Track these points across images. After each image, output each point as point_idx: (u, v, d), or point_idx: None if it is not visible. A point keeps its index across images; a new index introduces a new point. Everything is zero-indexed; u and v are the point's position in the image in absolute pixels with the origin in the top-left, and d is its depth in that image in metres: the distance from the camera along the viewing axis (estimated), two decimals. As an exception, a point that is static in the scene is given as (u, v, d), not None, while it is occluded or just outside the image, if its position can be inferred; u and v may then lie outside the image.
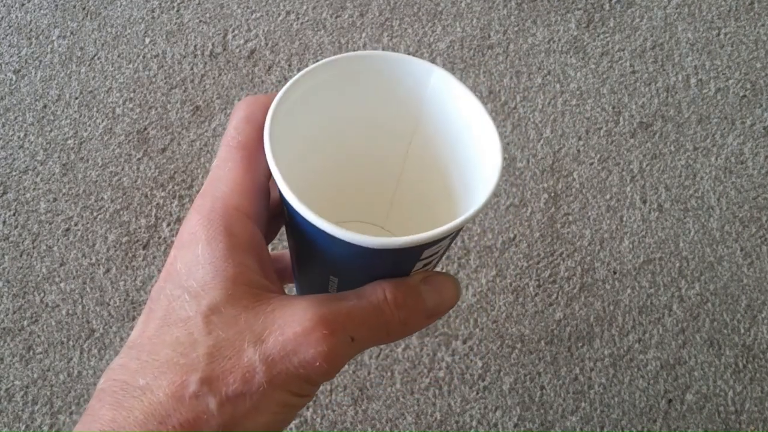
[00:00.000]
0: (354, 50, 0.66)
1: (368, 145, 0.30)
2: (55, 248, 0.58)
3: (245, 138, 0.25)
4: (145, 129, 0.63)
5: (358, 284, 0.24)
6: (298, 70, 0.65)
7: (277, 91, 0.25)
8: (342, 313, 0.23)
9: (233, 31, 0.67)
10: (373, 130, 0.30)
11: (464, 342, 0.54)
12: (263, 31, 0.67)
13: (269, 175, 0.25)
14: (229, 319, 0.22)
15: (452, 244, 0.26)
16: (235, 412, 0.21)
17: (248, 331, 0.22)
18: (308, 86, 0.26)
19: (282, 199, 0.24)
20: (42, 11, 0.69)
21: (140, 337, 0.23)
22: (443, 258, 0.27)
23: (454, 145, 0.28)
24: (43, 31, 0.68)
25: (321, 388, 0.52)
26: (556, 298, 0.56)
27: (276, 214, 0.29)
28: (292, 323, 0.22)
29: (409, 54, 0.66)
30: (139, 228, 0.58)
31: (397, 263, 0.24)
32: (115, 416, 0.21)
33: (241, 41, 0.67)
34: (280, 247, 0.55)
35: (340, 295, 0.24)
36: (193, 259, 0.23)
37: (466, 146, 0.27)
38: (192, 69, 0.65)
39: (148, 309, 0.23)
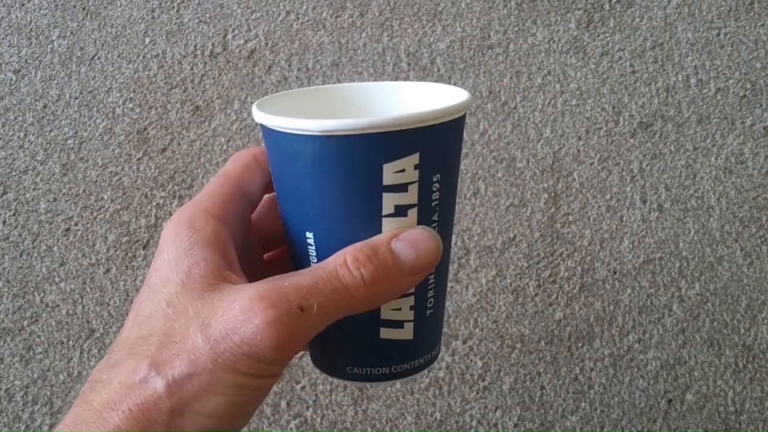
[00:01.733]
0: (354, 50, 0.66)
1: None
2: (55, 248, 0.58)
3: (227, 169, 0.27)
4: (145, 129, 0.63)
5: (331, 240, 0.24)
6: (299, 70, 0.65)
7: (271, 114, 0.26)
8: (286, 284, 0.23)
9: (233, 31, 0.67)
10: None
11: (464, 342, 0.54)
12: (263, 31, 0.67)
13: (251, 197, 0.27)
14: (181, 310, 0.23)
15: (436, 202, 0.25)
16: (183, 394, 0.21)
17: (195, 318, 0.22)
18: (287, 105, 0.28)
19: (265, 142, 0.25)
20: (42, 11, 0.69)
21: (115, 341, 0.24)
22: (436, 222, 0.26)
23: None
24: (43, 31, 0.68)
25: (320, 387, 0.52)
26: (556, 298, 0.56)
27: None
28: (234, 304, 0.22)
29: (409, 54, 0.66)
30: (139, 228, 0.58)
31: (357, 179, 0.23)
32: (78, 412, 0.22)
33: (241, 41, 0.67)
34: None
35: (295, 273, 0.24)
36: (162, 259, 0.24)
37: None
38: (192, 69, 0.65)
39: (127, 316, 0.25)
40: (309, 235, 0.25)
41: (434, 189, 0.25)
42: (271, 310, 0.22)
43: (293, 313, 0.22)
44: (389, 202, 0.24)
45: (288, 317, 0.22)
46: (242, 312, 0.22)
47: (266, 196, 0.30)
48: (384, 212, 0.24)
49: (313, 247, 0.25)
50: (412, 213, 0.24)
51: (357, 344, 0.27)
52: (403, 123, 0.22)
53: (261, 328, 0.21)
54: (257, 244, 0.30)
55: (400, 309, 0.26)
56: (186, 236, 0.24)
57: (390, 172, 0.23)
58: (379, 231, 0.24)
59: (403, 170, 0.23)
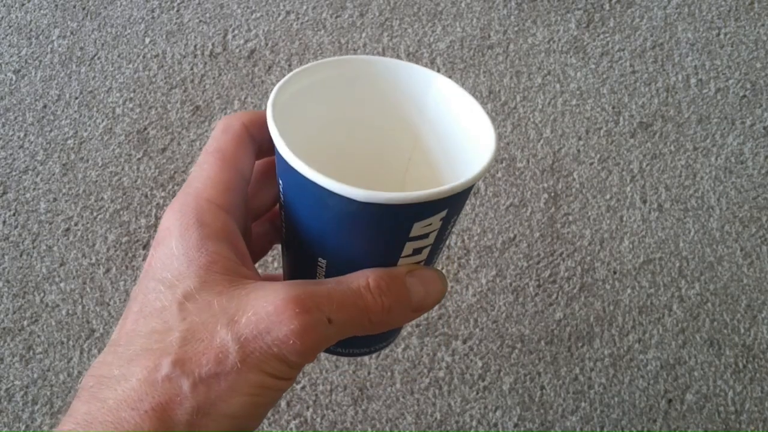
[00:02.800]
0: (354, 50, 0.66)
1: (370, 148, 0.30)
2: (55, 248, 0.58)
3: (221, 144, 0.26)
4: (145, 129, 0.63)
5: (345, 268, 0.24)
6: (298, 70, 0.65)
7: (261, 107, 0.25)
8: (317, 293, 0.23)
9: (233, 31, 0.67)
10: (376, 133, 0.30)
11: (464, 342, 0.54)
12: (263, 31, 0.67)
13: (247, 178, 0.26)
14: (203, 305, 0.22)
15: (446, 239, 0.26)
16: (209, 393, 0.21)
17: (222, 313, 0.22)
18: (312, 80, 0.26)
19: (277, 162, 0.24)
20: (42, 11, 0.69)
21: (118, 333, 0.23)
22: (438, 254, 0.27)
23: (454, 148, 0.28)
24: (43, 31, 0.68)
25: (320, 387, 0.52)
26: (556, 298, 0.56)
27: (263, 234, 0.30)
28: (265, 303, 0.22)
29: (409, 54, 0.66)
30: (139, 228, 0.58)
31: (386, 234, 0.23)
32: (89, 409, 0.21)
33: (241, 41, 0.67)
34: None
35: (320, 281, 0.24)
36: (168, 253, 0.23)
37: (464, 149, 0.27)
38: (192, 69, 0.65)
39: (127, 307, 0.24)
40: (322, 260, 0.25)
41: (449, 230, 0.26)
42: (306, 316, 0.22)
43: (323, 323, 0.22)
44: (410, 246, 0.24)
45: (318, 326, 0.22)
46: (276, 313, 0.21)
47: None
48: (403, 254, 0.25)
49: (324, 269, 0.26)
50: (426, 251, 0.26)
51: None
52: (442, 194, 0.22)
53: (295, 332, 0.21)
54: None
55: None
56: (195, 230, 0.23)
57: (418, 228, 0.23)
58: (395, 264, 0.25)
59: (430, 224, 0.24)
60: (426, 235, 0.24)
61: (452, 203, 0.24)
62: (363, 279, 0.24)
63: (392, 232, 0.23)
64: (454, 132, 0.28)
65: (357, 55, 0.28)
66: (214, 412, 0.21)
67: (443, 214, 0.24)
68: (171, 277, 0.23)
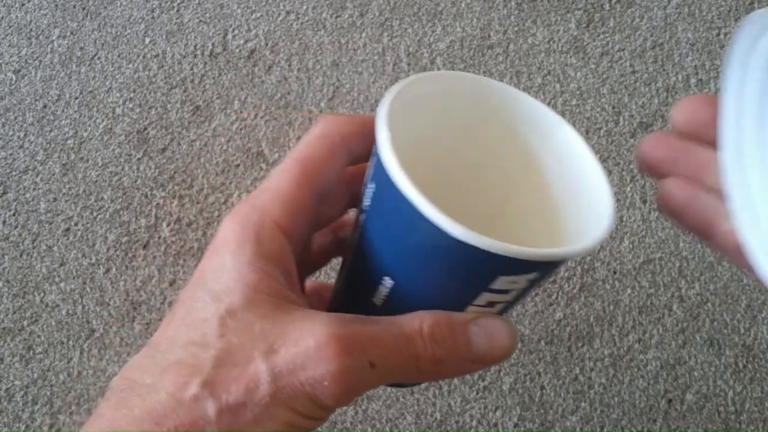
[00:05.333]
0: (354, 50, 0.66)
1: (468, 174, 0.28)
2: (55, 248, 0.58)
3: (311, 152, 0.24)
4: (145, 129, 0.63)
5: (410, 297, 0.23)
6: (299, 70, 0.65)
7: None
8: (364, 334, 0.21)
9: (233, 31, 0.67)
10: (480, 158, 0.27)
11: (464, 342, 0.54)
12: (263, 31, 0.67)
13: (325, 193, 0.25)
14: (244, 325, 0.21)
15: (523, 300, 0.24)
16: (233, 422, 0.20)
17: (261, 339, 0.21)
18: (429, 90, 0.25)
19: (374, 171, 0.22)
20: (42, 11, 0.69)
21: (159, 337, 0.22)
22: (511, 308, 0.25)
23: (560, 206, 0.26)
24: (43, 31, 0.68)
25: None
26: (556, 298, 0.56)
27: (324, 245, 0.28)
28: (306, 336, 0.20)
29: (409, 54, 0.66)
30: (139, 228, 0.58)
31: (466, 276, 0.21)
32: (115, 415, 0.20)
33: (241, 41, 0.67)
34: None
35: (371, 319, 0.22)
36: (221, 264, 0.22)
37: (572, 211, 0.25)
38: (192, 69, 0.65)
39: (172, 310, 0.23)
40: (388, 279, 0.23)
41: (530, 293, 0.24)
42: (346, 358, 0.20)
43: (364, 368, 0.21)
44: (486, 298, 0.22)
45: (359, 370, 0.21)
46: (316, 349, 0.20)
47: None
48: (474, 302, 0.23)
49: (387, 290, 0.24)
50: (499, 307, 0.23)
51: None
52: (544, 257, 0.20)
53: (331, 374, 0.20)
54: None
55: None
56: (250, 248, 0.22)
57: (502, 281, 0.22)
58: (461, 310, 0.23)
59: (515, 282, 0.22)
60: (506, 291, 0.22)
61: (547, 268, 0.22)
62: (417, 322, 0.22)
63: (474, 276, 0.22)
64: (566, 189, 0.25)
65: (480, 76, 0.26)
66: None
67: (533, 276, 0.22)
68: (218, 290, 0.22)
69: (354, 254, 0.25)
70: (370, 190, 0.23)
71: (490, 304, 0.23)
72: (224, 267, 0.22)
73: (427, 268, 0.22)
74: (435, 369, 0.22)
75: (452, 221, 0.20)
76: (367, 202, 0.24)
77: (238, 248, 0.22)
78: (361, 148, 0.25)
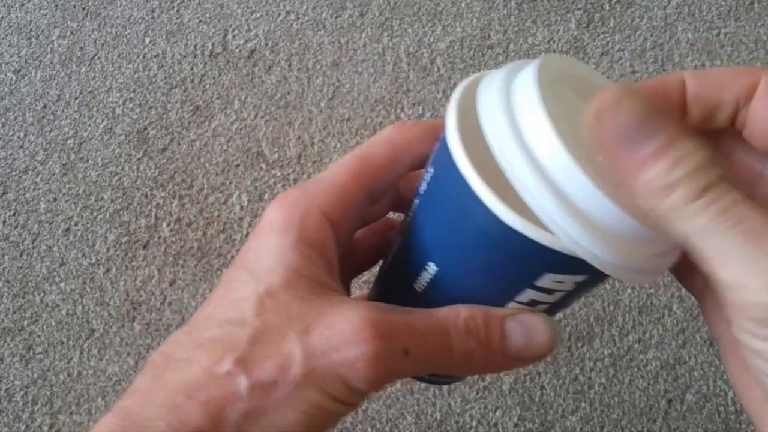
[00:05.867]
0: (354, 50, 0.66)
1: None
2: (55, 248, 0.58)
3: (373, 152, 0.24)
4: (145, 129, 0.63)
5: (453, 285, 0.22)
6: (299, 70, 0.65)
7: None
8: (400, 321, 0.21)
9: (233, 31, 0.67)
10: None
11: (464, 342, 0.54)
12: (263, 31, 0.67)
13: (379, 196, 0.25)
14: (281, 305, 0.21)
15: (568, 305, 0.23)
16: (264, 400, 0.20)
17: (297, 320, 0.21)
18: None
19: (436, 155, 0.22)
20: (42, 11, 0.69)
21: (198, 315, 0.23)
22: (554, 313, 0.24)
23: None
24: (43, 31, 0.68)
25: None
26: (556, 298, 0.56)
27: (370, 246, 0.28)
28: (342, 320, 0.21)
29: (409, 54, 0.66)
30: (139, 228, 0.58)
31: (512, 267, 0.21)
32: (150, 388, 0.21)
33: (241, 41, 0.67)
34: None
35: (407, 309, 0.22)
36: (264, 245, 0.23)
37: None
38: (192, 69, 0.65)
39: (214, 290, 0.23)
40: (432, 265, 0.23)
41: (577, 298, 0.23)
42: (380, 342, 0.20)
43: (397, 354, 0.21)
44: (529, 295, 0.22)
45: (393, 356, 0.21)
46: (351, 332, 0.20)
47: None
48: (517, 299, 0.22)
49: (430, 277, 0.23)
50: (542, 307, 0.23)
51: None
52: (603, 263, 0.19)
53: (365, 357, 0.20)
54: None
55: None
56: (294, 232, 0.22)
57: (549, 279, 0.21)
58: (503, 305, 0.22)
59: (562, 282, 0.21)
60: (551, 291, 0.22)
61: (596, 273, 0.20)
62: (454, 313, 0.22)
63: (521, 269, 0.21)
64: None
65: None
66: (263, 419, 0.20)
67: (581, 278, 0.21)
68: (259, 270, 0.22)
69: (402, 239, 0.25)
70: (428, 174, 0.23)
71: (533, 302, 0.22)
72: (267, 248, 0.23)
73: (474, 255, 0.21)
74: (468, 362, 0.22)
75: (508, 208, 0.19)
76: (423, 186, 0.23)
77: (282, 231, 0.23)
78: (428, 154, 0.24)
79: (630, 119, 0.17)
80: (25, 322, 0.55)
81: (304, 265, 0.22)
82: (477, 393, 0.53)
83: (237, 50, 0.66)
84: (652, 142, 0.17)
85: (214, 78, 0.65)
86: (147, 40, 0.67)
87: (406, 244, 0.24)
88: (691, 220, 0.17)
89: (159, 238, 0.58)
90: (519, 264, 0.21)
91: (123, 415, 0.20)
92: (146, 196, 0.60)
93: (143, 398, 0.21)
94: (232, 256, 0.58)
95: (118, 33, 0.68)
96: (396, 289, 0.26)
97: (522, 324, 0.22)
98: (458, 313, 0.22)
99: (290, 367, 0.20)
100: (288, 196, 0.24)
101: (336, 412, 0.21)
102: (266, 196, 0.60)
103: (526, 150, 0.19)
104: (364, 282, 0.50)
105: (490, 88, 0.21)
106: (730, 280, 0.17)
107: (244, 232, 0.58)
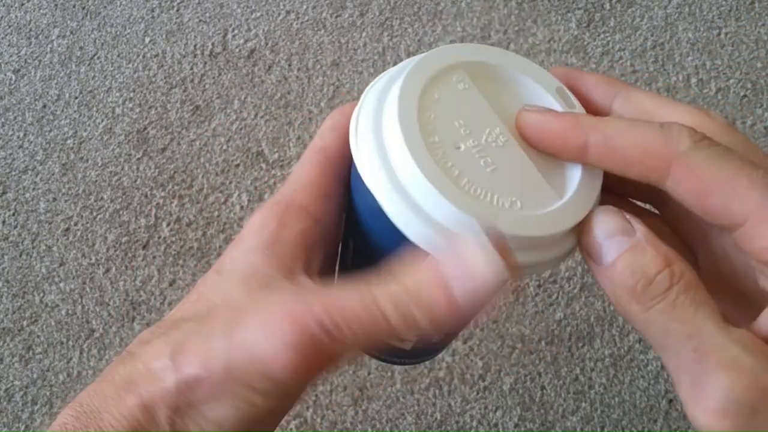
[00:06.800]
0: (354, 50, 0.66)
1: None
2: (55, 248, 0.58)
3: (327, 143, 0.25)
4: (145, 129, 0.63)
5: (367, 257, 0.24)
6: (299, 69, 0.65)
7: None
8: (318, 303, 0.20)
9: (233, 30, 0.67)
10: None
11: (464, 342, 0.54)
12: (263, 30, 0.67)
13: (346, 181, 0.25)
14: (229, 302, 0.22)
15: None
16: (191, 396, 0.20)
17: (231, 316, 0.21)
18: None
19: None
20: (42, 11, 0.69)
21: (172, 313, 0.23)
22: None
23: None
24: (42, 30, 0.68)
25: (320, 388, 0.52)
26: (557, 298, 0.56)
27: None
28: (265, 311, 0.20)
29: (409, 54, 0.66)
30: (139, 228, 0.58)
31: (393, 240, 0.22)
32: (104, 381, 0.22)
33: (241, 41, 0.67)
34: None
35: (341, 286, 0.22)
36: (240, 248, 0.23)
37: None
38: (192, 69, 0.65)
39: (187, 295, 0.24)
40: (351, 242, 0.25)
41: None
42: (291, 330, 0.20)
43: (316, 337, 0.20)
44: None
45: (310, 340, 0.20)
46: (271, 323, 0.20)
47: None
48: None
49: (352, 253, 0.25)
50: None
51: None
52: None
53: (279, 348, 0.19)
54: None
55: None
56: (269, 231, 0.23)
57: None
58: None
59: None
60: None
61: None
62: (381, 279, 0.21)
63: (393, 242, 0.22)
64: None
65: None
66: (194, 413, 0.20)
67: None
68: (227, 270, 0.23)
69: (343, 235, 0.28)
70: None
71: None
72: (242, 250, 0.23)
73: (366, 227, 0.23)
74: (405, 321, 0.21)
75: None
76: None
77: (257, 232, 0.23)
78: None
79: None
80: (25, 322, 0.55)
81: (266, 261, 0.22)
82: (477, 393, 0.53)
83: (237, 50, 0.66)
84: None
85: (213, 78, 0.65)
86: (147, 39, 0.67)
87: (344, 225, 0.27)
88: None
89: (159, 238, 0.58)
90: (390, 238, 0.22)
91: (76, 406, 0.21)
92: (146, 196, 0.60)
93: (96, 389, 0.21)
94: (232, 256, 0.58)
95: (118, 32, 0.68)
96: (342, 263, 0.28)
97: (453, 252, 0.21)
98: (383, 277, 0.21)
99: (212, 363, 0.20)
100: (269, 203, 0.24)
101: (270, 407, 0.21)
102: (266, 196, 0.60)
103: (390, 169, 0.21)
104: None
105: (368, 98, 0.24)
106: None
107: (244, 232, 0.58)
